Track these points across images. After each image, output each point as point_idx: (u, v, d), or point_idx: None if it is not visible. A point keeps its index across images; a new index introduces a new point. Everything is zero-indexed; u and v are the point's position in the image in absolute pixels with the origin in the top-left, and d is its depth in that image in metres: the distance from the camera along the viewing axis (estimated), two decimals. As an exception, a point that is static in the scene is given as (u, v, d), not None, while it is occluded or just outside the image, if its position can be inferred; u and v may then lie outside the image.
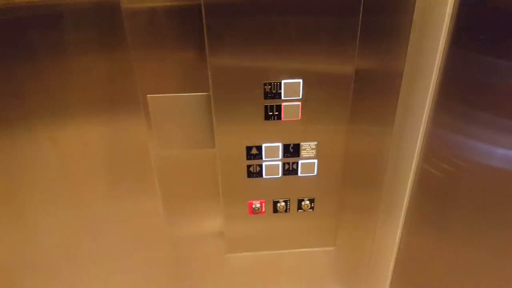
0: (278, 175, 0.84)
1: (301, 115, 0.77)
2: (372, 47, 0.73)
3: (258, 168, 0.83)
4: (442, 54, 0.72)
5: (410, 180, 0.86)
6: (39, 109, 0.77)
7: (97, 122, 0.79)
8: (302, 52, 0.71)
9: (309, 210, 0.89)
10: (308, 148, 0.82)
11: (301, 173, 0.84)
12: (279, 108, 0.76)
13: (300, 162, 0.83)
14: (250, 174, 0.84)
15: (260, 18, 0.67)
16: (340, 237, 0.95)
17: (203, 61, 0.71)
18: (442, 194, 0.82)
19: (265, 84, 0.74)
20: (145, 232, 0.92)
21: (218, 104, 0.75)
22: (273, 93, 0.75)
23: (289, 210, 0.89)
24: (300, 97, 0.76)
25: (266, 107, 0.76)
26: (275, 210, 0.89)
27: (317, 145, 0.81)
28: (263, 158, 0.82)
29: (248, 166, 0.83)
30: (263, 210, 0.89)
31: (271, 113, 0.77)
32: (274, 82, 0.74)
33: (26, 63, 0.72)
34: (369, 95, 0.78)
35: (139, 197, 0.88)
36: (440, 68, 0.73)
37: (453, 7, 0.68)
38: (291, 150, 0.82)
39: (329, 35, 0.70)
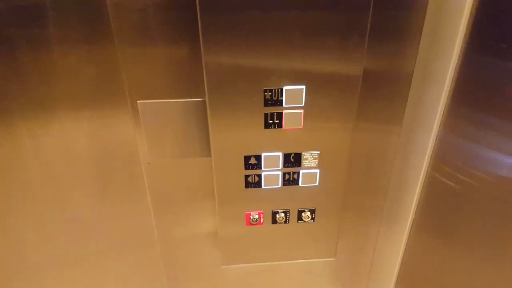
0: (278, 185, 0.79)
1: (303, 123, 0.72)
2: (381, 47, 0.68)
3: (256, 178, 0.78)
4: (458, 56, 0.67)
5: (417, 189, 0.82)
6: (19, 107, 0.71)
7: (82, 124, 0.73)
8: (305, 53, 0.65)
9: (310, 221, 0.84)
10: (310, 157, 0.77)
11: (302, 184, 0.79)
12: (280, 116, 0.71)
13: (301, 172, 0.78)
14: (248, 185, 0.79)
15: (260, 15, 0.61)
16: (341, 247, 0.91)
17: (198, 64, 0.65)
18: (452, 204, 0.78)
19: (265, 91, 0.68)
20: (134, 245, 0.87)
21: (214, 111, 0.70)
22: (273, 100, 0.69)
23: (288, 221, 0.85)
24: (303, 104, 0.70)
25: (266, 115, 0.71)
26: (274, 221, 0.84)
27: (319, 155, 0.76)
28: (262, 168, 0.77)
29: (246, 176, 0.78)
30: (261, 221, 0.84)
31: (271, 121, 0.72)
32: (275, 89, 0.68)
33: (5, 58, 0.66)
34: (376, 97, 0.73)
35: (128, 209, 0.82)
36: (454, 71, 0.68)
37: (470, 8, 0.63)
38: (292, 159, 0.77)
39: (336, 34, 0.64)
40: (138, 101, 0.69)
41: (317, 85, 0.69)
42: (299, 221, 0.85)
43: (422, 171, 0.80)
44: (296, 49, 0.65)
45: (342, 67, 0.67)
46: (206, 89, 0.67)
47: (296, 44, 0.64)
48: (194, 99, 0.69)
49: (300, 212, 0.84)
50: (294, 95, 0.69)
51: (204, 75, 0.66)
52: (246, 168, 0.76)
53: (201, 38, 0.62)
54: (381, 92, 0.73)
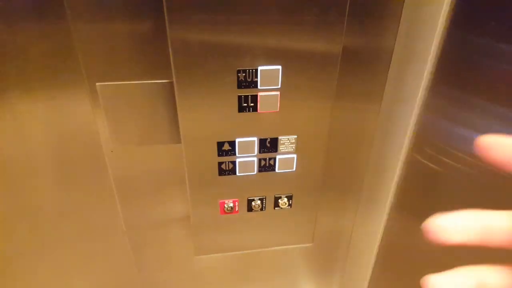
0: (254, 172, 0.75)
1: (280, 106, 0.67)
2: (360, 23, 0.63)
3: (231, 165, 0.73)
4: (441, 34, 0.64)
5: (397, 170, 0.80)
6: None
7: (37, 109, 0.65)
8: (282, 31, 0.59)
9: (287, 207, 0.81)
10: (287, 142, 0.72)
11: (278, 169, 0.75)
12: (255, 98, 0.66)
13: (278, 157, 0.74)
14: (221, 172, 0.74)
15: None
16: (318, 232, 0.89)
17: (164, 42, 0.59)
18: (432, 185, 0.76)
19: (238, 72, 0.63)
20: (102, 235, 0.82)
21: (183, 94, 0.64)
22: (248, 81, 0.64)
23: (265, 208, 0.81)
24: (279, 86, 0.65)
25: (240, 97, 0.65)
26: (250, 209, 0.80)
27: (296, 139, 0.72)
28: (237, 154, 0.72)
29: (220, 163, 0.73)
30: (237, 209, 0.80)
31: (245, 105, 0.66)
32: (249, 69, 0.63)
33: None
34: (355, 75, 0.68)
35: (93, 199, 0.76)
36: (436, 49, 0.65)
37: (455, -17, 0.59)
38: (268, 145, 0.72)
39: (315, 9, 0.59)
40: (97, 83, 0.62)
41: (294, 65, 0.64)
42: (276, 208, 0.81)
43: (402, 152, 0.77)
44: (272, 26, 0.59)
45: (321, 46, 0.62)
46: (173, 70, 0.61)
47: (272, 20, 0.59)
48: (160, 81, 0.63)
49: (276, 198, 0.80)
50: (269, 76, 0.64)
51: (170, 54, 0.60)
52: (219, 155, 0.71)
53: (165, 12, 0.56)
54: (360, 70, 0.68)
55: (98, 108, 0.64)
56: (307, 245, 0.90)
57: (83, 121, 0.66)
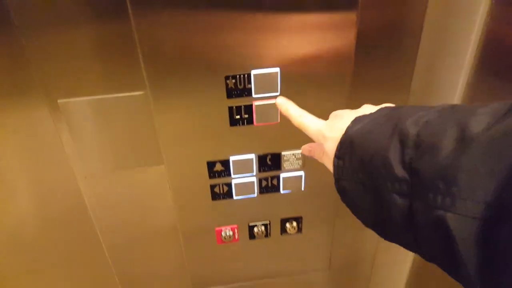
0: (254, 194, 0.63)
1: (281, 116, 0.56)
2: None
3: (225, 188, 0.62)
4: (484, 16, 0.51)
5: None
6: None
7: None
8: (279, 23, 0.48)
9: (296, 232, 0.69)
10: (292, 158, 0.60)
11: (283, 190, 0.64)
12: (249, 109, 0.54)
13: (282, 176, 0.62)
14: (215, 196, 0.62)
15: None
16: (335, 257, 0.77)
17: (133, 45, 0.48)
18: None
19: (227, 78, 0.51)
20: (91, 276, 0.71)
21: (160, 107, 0.52)
22: (239, 89, 0.52)
23: (269, 234, 0.69)
24: (278, 92, 0.53)
25: (230, 109, 0.54)
26: (252, 236, 0.69)
27: (303, 154, 0.60)
28: (232, 175, 0.61)
29: (212, 186, 0.61)
30: (236, 237, 0.68)
31: (238, 117, 0.55)
32: (240, 74, 0.51)
33: None
34: (374, 60, 0.55)
35: (76, 241, 0.66)
36: (480, 33, 0.52)
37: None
38: (269, 162, 0.60)
39: None
40: (58, 100, 0.52)
41: (296, 66, 0.52)
42: (283, 234, 0.70)
43: None
44: (267, 17, 0.48)
45: (330, 39, 0.50)
46: (145, 79, 0.50)
47: (267, 10, 0.47)
48: (132, 93, 0.52)
49: (283, 223, 0.69)
50: (266, 81, 0.52)
51: (141, 60, 0.49)
52: (210, 177, 0.60)
53: (129, 6, 0.45)
54: (381, 55, 0.54)
55: (62, 128, 0.54)
56: (323, 272, 0.78)
57: (50, 145, 0.56)
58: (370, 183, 0.30)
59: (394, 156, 0.28)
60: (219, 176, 0.60)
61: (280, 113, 0.47)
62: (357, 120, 0.35)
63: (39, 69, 0.49)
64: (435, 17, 0.53)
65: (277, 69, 0.51)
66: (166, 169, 0.58)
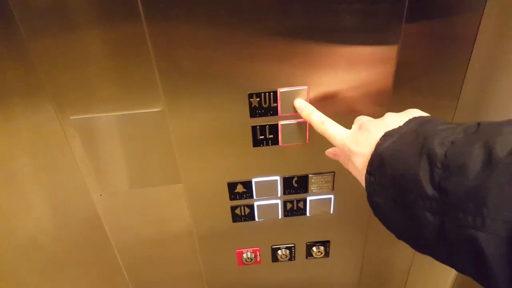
0: (278, 216, 0.59)
1: (309, 136, 0.51)
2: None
3: (247, 210, 0.58)
4: None
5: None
6: None
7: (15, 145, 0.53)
8: (309, 36, 0.43)
9: (323, 256, 0.64)
10: (320, 181, 0.55)
11: (310, 213, 0.59)
12: (274, 129, 0.49)
13: (308, 199, 0.57)
14: (236, 218, 0.58)
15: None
16: (364, 282, 0.71)
17: (149, 59, 0.44)
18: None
19: (250, 96, 0.47)
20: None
21: (178, 125, 0.48)
22: (264, 108, 0.47)
23: (294, 258, 0.65)
24: (307, 111, 0.48)
25: (254, 128, 0.49)
26: (275, 259, 0.65)
27: (333, 176, 0.55)
28: (254, 197, 0.56)
29: (233, 208, 0.57)
30: (258, 259, 0.64)
31: (262, 137, 0.50)
32: (265, 92, 0.46)
33: None
34: (419, 61, 0.48)
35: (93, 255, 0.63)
36: None
37: None
38: (295, 184, 0.55)
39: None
40: (71, 117, 0.49)
41: (327, 83, 0.47)
42: (309, 258, 0.65)
43: None
44: (295, 29, 0.42)
45: (368, 50, 0.45)
46: (162, 96, 0.46)
47: (295, 22, 0.42)
48: (148, 110, 0.48)
49: (309, 246, 0.64)
50: (293, 100, 0.47)
51: (157, 76, 0.45)
52: (231, 198, 0.56)
53: (142, 15, 0.41)
54: (426, 55, 0.48)
55: (77, 146, 0.51)
56: (350, 297, 0.73)
57: (64, 163, 0.53)
58: (401, 200, 0.31)
59: (423, 175, 0.28)
60: (240, 198, 0.56)
61: (303, 118, 0.46)
62: (386, 136, 0.34)
63: (48, 82, 0.46)
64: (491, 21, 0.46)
65: (305, 87, 0.46)
66: (184, 188, 0.54)
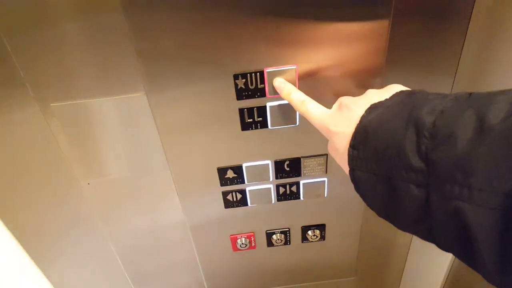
0: (271, 201, 0.58)
1: (300, 118, 0.49)
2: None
3: (239, 196, 0.56)
4: None
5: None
6: None
7: None
8: (294, 12, 0.40)
9: (318, 240, 0.63)
10: (313, 164, 0.54)
11: (304, 197, 0.57)
12: (262, 111, 0.48)
13: (302, 182, 0.56)
14: (228, 204, 0.57)
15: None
16: (361, 263, 0.70)
17: (126, 42, 0.42)
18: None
19: (236, 77, 0.45)
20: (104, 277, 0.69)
21: (161, 110, 0.47)
22: (251, 89, 0.46)
23: (289, 242, 0.64)
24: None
25: (241, 111, 0.47)
26: (270, 243, 0.64)
27: (326, 159, 0.53)
28: (246, 182, 0.55)
29: (225, 194, 0.56)
30: (253, 244, 0.63)
31: (250, 120, 0.48)
32: (251, 73, 0.44)
33: None
34: (413, 34, 0.45)
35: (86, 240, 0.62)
36: None
37: None
38: (287, 168, 0.54)
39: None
40: (51, 104, 0.47)
41: (316, 61, 0.44)
42: (304, 241, 0.64)
43: None
44: (280, 5, 0.40)
45: (358, 29, 0.42)
46: (143, 81, 0.44)
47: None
48: (130, 95, 0.46)
49: (304, 230, 0.63)
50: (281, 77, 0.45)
51: (137, 60, 0.43)
52: (222, 184, 0.55)
53: (120, 5, 0.38)
54: (421, 27, 0.45)
55: (59, 134, 0.50)
56: (348, 279, 0.72)
57: (48, 152, 0.52)
58: (385, 174, 0.29)
59: (410, 146, 0.27)
60: (231, 184, 0.54)
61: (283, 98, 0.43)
62: (372, 108, 0.33)
63: (24, 68, 0.44)
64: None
65: (294, 66, 0.44)
66: (172, 176, 0.53)
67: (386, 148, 0.29)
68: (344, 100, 0.35)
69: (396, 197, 0.29)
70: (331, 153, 0.37)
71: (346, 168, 0.33)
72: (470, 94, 0.27)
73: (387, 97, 0.33)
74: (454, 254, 0.27)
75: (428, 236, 0.28)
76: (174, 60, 0.42)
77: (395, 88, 0.34)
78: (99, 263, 0.65)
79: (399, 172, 0.28)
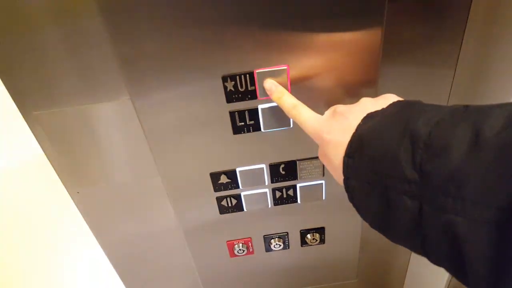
0: (267, 206, 0.56)
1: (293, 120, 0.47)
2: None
3: (234, 201, 0.54)
4: None
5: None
6: None
7: None
8: (288, 10, 0.38)
9: (318, 243, 0.61)
10: (309, 166, 0.52)
11: (301, 200, 0.55)
12: (254, 113, 0.46)
13: (298, 185, 0.54)
14: (223, 209, 0.55)
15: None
16: (363, 266, 0.68)
17: (107, 46, 0.40)
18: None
19: (225, 80, 0.42)
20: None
21: (147, 115, 0.44)
22: (241, 92, 0.43)
23: (288, 246, 0.62)
24: (288, 92, 0.44)
25: (232, 114, 0.45)
26: (269, 248, 0.62)
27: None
28: (240, 187, 0.53)
29: (219, 199, 0.54)
30: (251, 250, 0.61)
31: (242, 123, 0.46)
32: (240, 75, 0.42)
33: None
34: (410, 24, 0.43)
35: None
36: None
37: None
38: (283, 172, 0.52)
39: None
40: (34, 113, 0.45)
41: (308, 61, 0.42)
42: (304, 245, 0.62)
43: None
44: (273, 4, 0.38)
45: (352, 25, 0.40)
46: (126, 86, 0.42)
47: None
48: (114, 101, 0.44)
49: (303, 234, 0.61)
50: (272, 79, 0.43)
51: (119, 65, 0.41)
52: (216, 189, 0.53)
53: (98, 9, 0.36)
54: (418, 17, 0.42)
55: (44, 142, 0.48)
56: (350, 281, 0.70)
57: (34, 161, 0.50)
58: (379, 184, 0.29)
59: (404, 157, 0.26)
60: (225, 189, 0.52)
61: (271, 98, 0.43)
62: (368, 117, 0.32)
63: (9, 80, 0.42)
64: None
65: (285, 67, 0.41)
66: (164, 182, 0.51)
67: (381, 158, 0.28)
68: (338, 108, 0.35)
69: (389, 208, 0.28)
70: (322, 159, 0.35)
71: (339, 177, 0.32)
72: (467, 106, 0.26)
73: (383, 106, 0.32)
74: (445, 268, 0.26)
75: (420, 249, 0.27)
76: (158, 63, 0.40)
77: (390, 98, 0.33)
78: (94, 273, 0.63)
79: (393, 183, 0.27)
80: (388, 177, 0.27)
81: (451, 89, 0.48)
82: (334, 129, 0.33)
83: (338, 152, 0.32)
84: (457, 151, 0.23)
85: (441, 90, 0.48)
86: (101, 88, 0.43)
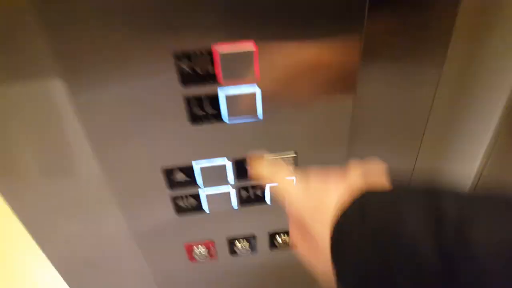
0: (233, 207, 0.49)
1: (264, 110, 0.39)
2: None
3: (192, 201, 0.47)
4: None
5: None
6: None
7: None
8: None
9: (289, 247, 0.55)
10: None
11: (271, 202, 0.49)
12: (214, 101, 0.38)
13: (267, 186, 0.47)
14: (180, 210, 0.48)
15: None
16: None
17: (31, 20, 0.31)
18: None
19: (177, 58, 0.35)
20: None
21: (85, 99, 0.36)
22: (197, 74, 0.36)
23: (256, 250, 0.55)
24: (258, 79, 0.37)
25: (187, 100, 0.38)
26: (233, 252, 0.55)
27: (296, 158, 0.45)
28: (200, 185, 0.46)
29: (175, 199, 0.47)
30: (213, 254, 0.55)
31: (201, 112, 0.39)
32: (195, 52, 0.35)
33: None
34: (393, 20, 0.37)
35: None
36: None
37: None
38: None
39: None
40: None
41: (277, 37, 0.35)
42: (273, 249, 0.56)
43: (475, 168, 0.49)
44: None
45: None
46: (57, 68, 0.34)
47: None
48: (41, 84, 0.36)
49: (272, 236, 0.54)
50: (236, 62, 0.36)
51: (46, 42, 0.32)
52: (171, 187, 0.45)
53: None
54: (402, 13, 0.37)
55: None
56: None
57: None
58: None
59: None
60: (181, 187, 0.45)
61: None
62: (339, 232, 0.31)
63: None
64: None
65: (251, 46, 0.34)
66: (106, 177, 0.43)
67: None
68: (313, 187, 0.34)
69: None
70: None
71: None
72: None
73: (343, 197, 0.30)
74: None
75: None
76: (93, 39, 0.32)
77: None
78: (41, 283, 0.55)
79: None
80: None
81: (435, 94, 0.42)
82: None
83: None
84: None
85: (423, 95, 0.42)
86: (26, 68, 0.34)
